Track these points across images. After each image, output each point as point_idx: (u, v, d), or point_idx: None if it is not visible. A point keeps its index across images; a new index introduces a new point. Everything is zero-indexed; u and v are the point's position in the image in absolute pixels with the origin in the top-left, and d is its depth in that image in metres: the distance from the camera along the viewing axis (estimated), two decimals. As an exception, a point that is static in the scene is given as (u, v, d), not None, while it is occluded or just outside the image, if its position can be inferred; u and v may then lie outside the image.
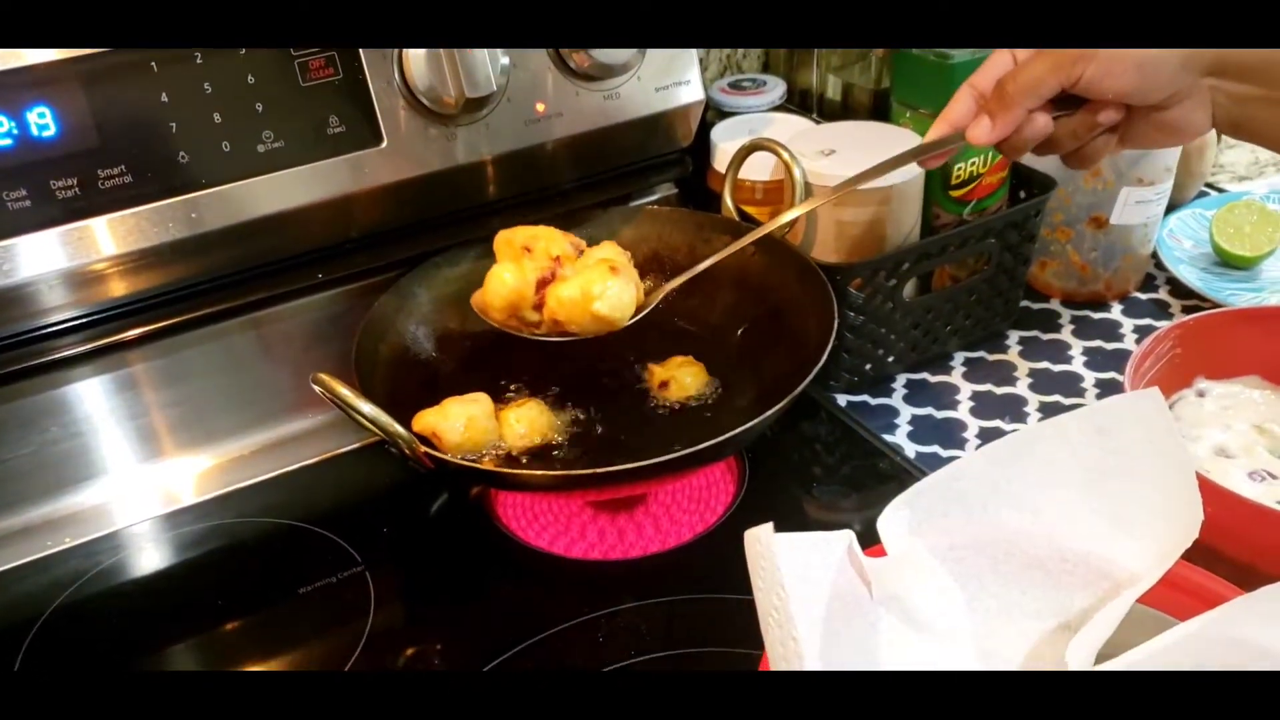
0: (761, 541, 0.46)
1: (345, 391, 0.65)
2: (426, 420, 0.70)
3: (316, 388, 0.65)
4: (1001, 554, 0.52)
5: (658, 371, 0.79)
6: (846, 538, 0.49)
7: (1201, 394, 0.75)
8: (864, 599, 0.50)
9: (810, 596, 0.45)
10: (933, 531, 0.52)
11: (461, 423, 0.70)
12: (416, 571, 0.75)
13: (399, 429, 0.66)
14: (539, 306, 0.73)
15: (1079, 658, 0.49)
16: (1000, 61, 0.67)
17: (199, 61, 0.71)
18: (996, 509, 0.52)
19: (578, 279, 0.72)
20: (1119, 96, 0.63)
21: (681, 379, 0.78)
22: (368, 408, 0.65)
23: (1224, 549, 0.61)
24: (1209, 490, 0.61)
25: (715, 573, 0.70)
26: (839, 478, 0.80)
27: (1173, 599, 0.50)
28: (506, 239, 0.76)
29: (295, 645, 0.70)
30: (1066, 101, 0.65)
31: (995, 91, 0.65)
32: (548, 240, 0.74)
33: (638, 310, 0.74)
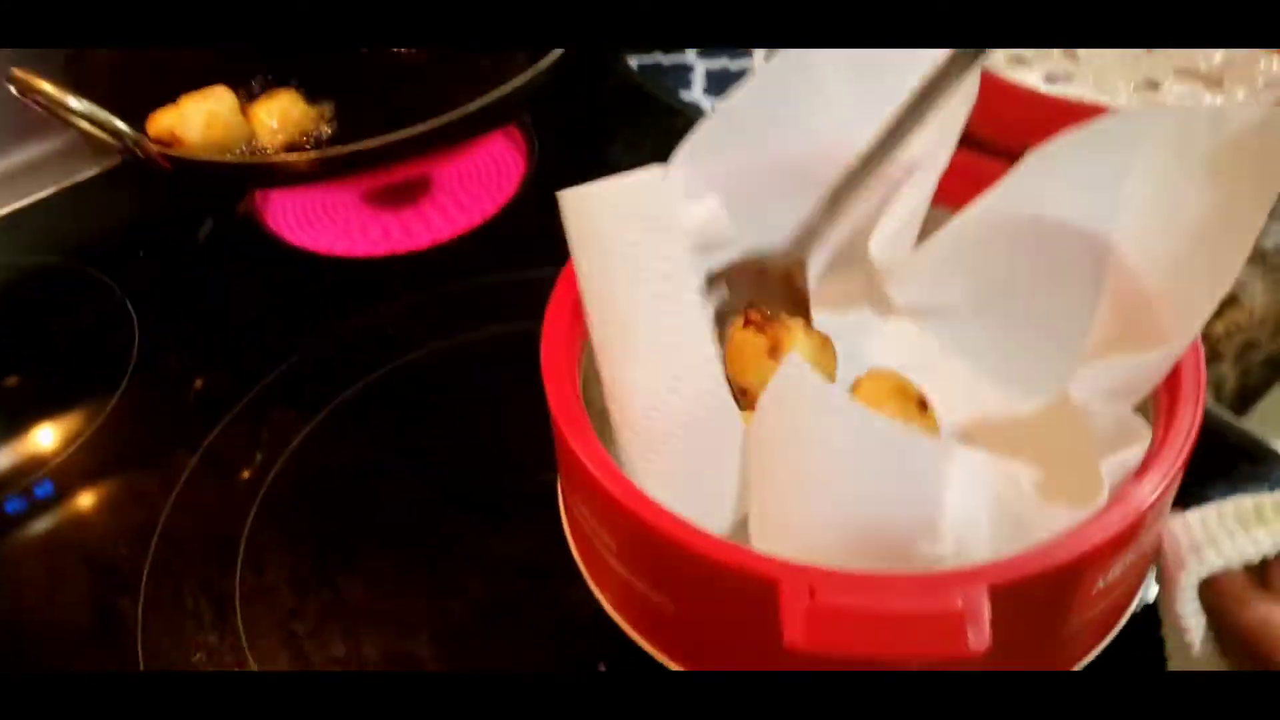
0: (590, 195, 0.41)
1: (48, 87, 0.56)
2: (162, 122, 0.61)
3: (13, 88, 0.56)
4: (788, 179, 0.49)
5: None
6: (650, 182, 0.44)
7: (997, 4, 0.71)
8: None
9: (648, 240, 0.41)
10: (715, 164, 0.48)
11: (202, 119, 0.62)
12: (184, 294, 0.67)
13: (120, 124, 0.57)
14: None
15: (881, 246, 0.47)
16: None
17: None
18: (776, 137, 0.48)
19: None
20: None
21: None
22: (78, 102, 0.56)
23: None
24: (1009, 92, 0.59)
25: (507, 255, 0.66)
26: (636, 144, 0.75)
27: (968, 195, 0.47)
28: None
29: (62, 387, 0.63)
30: None
31: None
32: None
33: None
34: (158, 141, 0.60)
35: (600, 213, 0.41)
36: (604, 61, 0.79)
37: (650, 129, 0.76)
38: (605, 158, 0.74)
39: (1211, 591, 0.39)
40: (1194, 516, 0.40)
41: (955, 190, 0.48)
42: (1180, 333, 0.40)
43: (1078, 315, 0.47)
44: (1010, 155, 0.60)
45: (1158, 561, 0.41)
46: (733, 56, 0.80)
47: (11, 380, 0.65)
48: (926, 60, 0.46)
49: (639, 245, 0.40)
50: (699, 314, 0.41)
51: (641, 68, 0.80)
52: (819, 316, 0.50)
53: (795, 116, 0.48)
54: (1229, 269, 0.39)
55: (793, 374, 0.36)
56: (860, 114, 0.48)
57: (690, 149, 0.47)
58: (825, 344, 0.48)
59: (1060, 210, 0.46)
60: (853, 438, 0.35)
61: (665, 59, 0.80)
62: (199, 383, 0.63)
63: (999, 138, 0.60)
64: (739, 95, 0.47)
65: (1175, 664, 0.42)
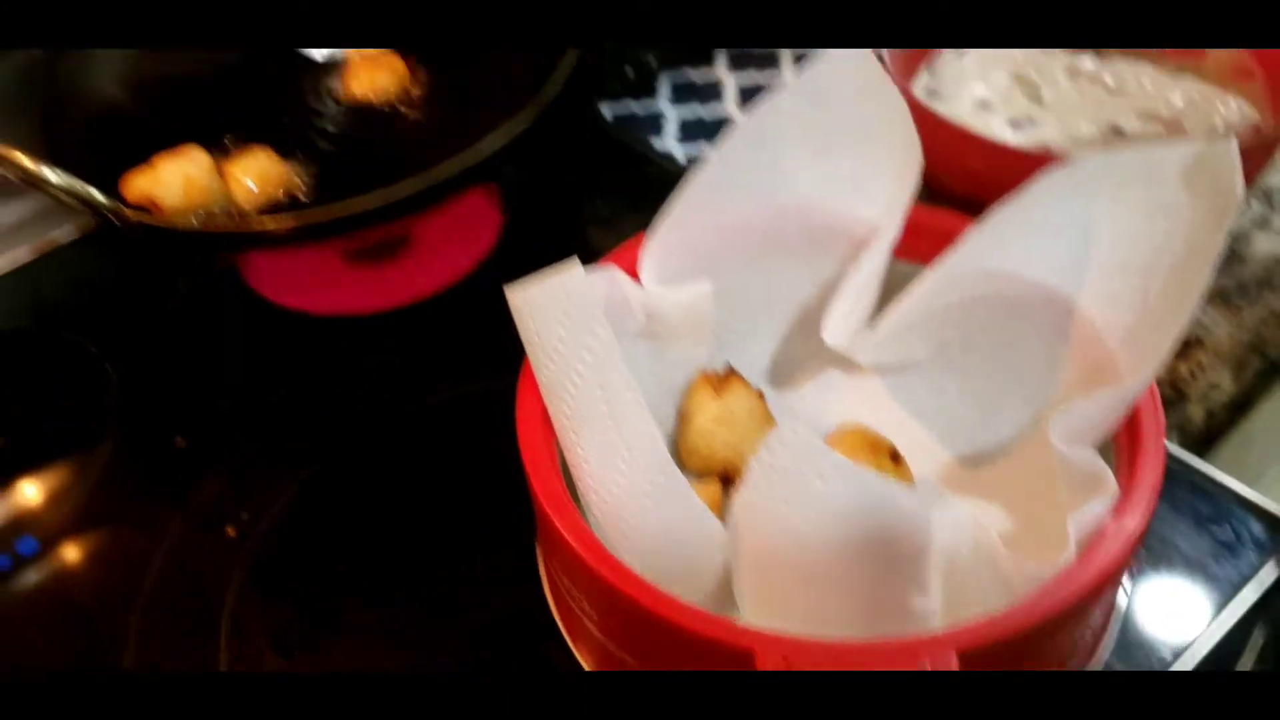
0: (520, 300, 0.42)
1: (24, 160, 0.56)
2: (138, 185, 0.62)
3: (-10, 162, 0.56)
4: (757, 238, 0.51)
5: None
6: (605, 275, 0.46)
7: (960, 52, 0.72)
8: (628, 330, 0.48)
9: (572, 336, 0.42)
10: (692, 225, 0.49)
11: (179, 182, 0.62)
12: (164, 356, 0.68)
13: (97, 195, 0.58)
14: None
15: (835, 334, 0.48)
16: None
17: None
18: (741, 199, 0.50)
19: None
20: None
21: (374, 76, 0.71)
22: (55, 175, 0.57)
23: (992, 199, 0.60)
24: (973, 144, 0.61)
25: (487, 309, 0.66)
26: (610, 191, 0.76)
27: (929, 248, 0.49)
28: None
29: (44, 447, 0.63)
30: None
31: None
32: None
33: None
34: (134, 206, 0.61)
35: (533, 310, 0.42)
36: (580, 112, 0.80)
37: (624, 177, 0.77)
38: (581, 208, 0.75)
39: None
40: None
41: (916, 245, 0.49)
42: (1140, 372, 0.41)
43: (1043, 365, 0.48)
44: (972, 202, 0.62)
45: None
46: (704, 102, 0.81)
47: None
48: (880, 129, 0.47)
49: (566, 341, 0.42)
50: (632, 395, 0.41)
51: (616, 117, 0.81)
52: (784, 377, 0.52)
53: (759, 188, 0.49)
54: (1187, 305, 0.40)
55: (787, 438, 0.36)
56: (820, 182, 0.49)
57: (665, 226, 0.48)
58: (761, 399, 0.50)
59: (1020, 264, 0.47)
60: (847, 496, 0.36)
61: (638, 107, 0.81)
62: (181, 441, 0.63)
63: (962, 186, 0.62)
64: (707, 170, 0.48)
65: None
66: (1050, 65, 0.70)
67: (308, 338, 0.68)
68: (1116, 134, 0.66)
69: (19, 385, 0.67)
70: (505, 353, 0.62)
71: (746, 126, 0.49)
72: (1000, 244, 0.46)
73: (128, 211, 0.58)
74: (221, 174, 0.66)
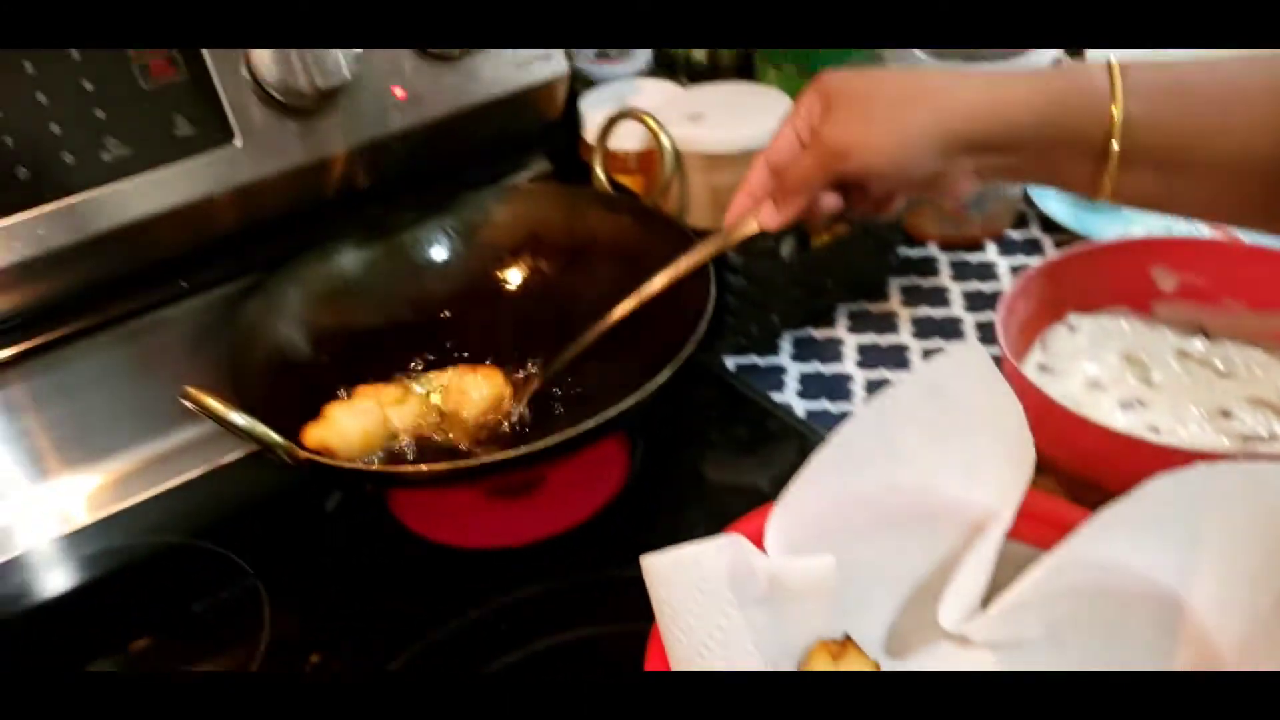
0: (653, 569, 0.46)
1: (216, 405, 0.63)
2: (316, 436, 0.68)
3: (187, 403, 0.63)
4: (876, 515, 0.54)
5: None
6: (732, 544, 0.49)
7: (1073, 328, 0.76)
8: (751, 596, 0.51)
9: (704, 611, 0.46)
10: (815, 499, 0.53)
11: (355, 435, 0.69)
12: (311, 577, 0.73)
13: (277, 438, 0.64)
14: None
15: (950, 617, 0.51)
16: (785, 136, 0.65)
17: (30, 72, 0.67)
18: (862, 478, 0.54)
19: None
20: (884, 184, 0.63)
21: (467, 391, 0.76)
22: (241, 419, 0.63)
23: (1102, 479, 0.63)
24: (1082, 425, 0.64)
25: (614, 550, 0.70)
26: (732, 441, 0.81)
27: (1033, 530, 0.52)
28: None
29: (193, 664, 0.68)
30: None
31: (778, 181, 0.65)
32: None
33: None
34: (310, 450, 0.67)
35: (666, 582, 0.46)
36: (705, 364, 0.85)
37: (745, 428, 0.81)
38: (703, 455, 0.79)
39: None
40: None
41: (1027, 528, 0.52)
42: None
43: (1153, 656, 0.49)
44: (1081, 480, 0.64)
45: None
46: (825, 361, 0.86)
47: (146, 648, 0.70)
48: (994, 420, 0.51)
49: (697, 615, 0.45)
50: (756, 666, 0.45)
51: (738, 368, 0.86)
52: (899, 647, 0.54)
53: (878, 468, 0.53)
54: None
55: None
56: (936, 466, 0.53)
57: (790, 500, 0.52)
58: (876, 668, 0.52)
59: (1132, 559, 0.49)
60: None
61: (760, 360, 0.87)
62: (315, 657, 0.67)
63: (1070, 463, 0.65)
64: (830, 449, 0.52)
65: None
66: (1161, 347, 0.74)
67: (444, 569, 0.73)
68: (1225, 417, 0.68)
69: (173, 599, 0.73)
70: (626, 598, 0.66)
71: (868, 412, 0.53)
72: (1112, 538, 0.49)
73: (301, 454, 0.65)
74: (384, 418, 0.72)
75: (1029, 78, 0.60)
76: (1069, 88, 0.58)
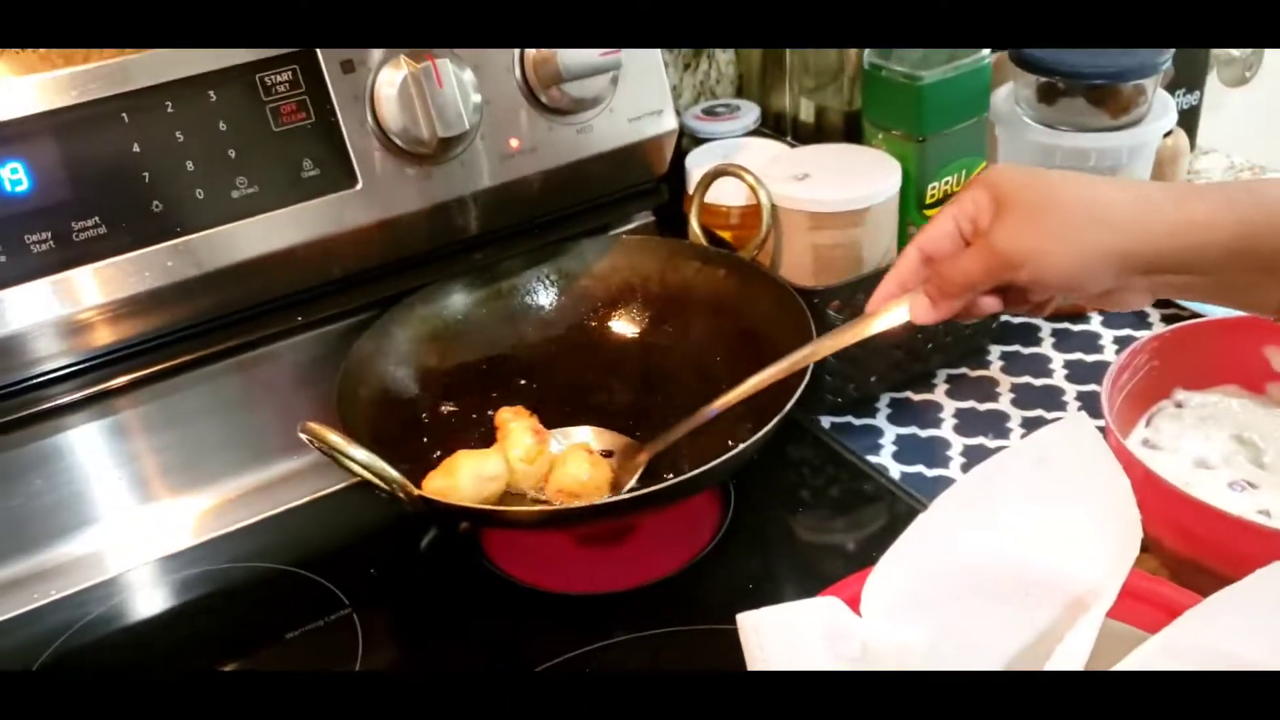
0: (749, 625, 0.47)
1: (337, 439, 0.65)
2: (436, 485, 0.71)
3: (305, 437, 0.65)
4: (974, 583, 0.54)
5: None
6: (828, 606, 0.49)
7: (1180, 405, 0.75)
8: (845, 658, 0.51)
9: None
10: (914, 565, 0.53)
11: (472, 484, 0.71)
12: (404, 612, 0.75)
13: (393, 473, 0.66)
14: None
15: None
16: (944, 226, 0.63)
17: (170, 110, 0.71)
18: (963, 545, 0.53)
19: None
20: (1058, 293, 0.61)
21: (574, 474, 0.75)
22: (361, 454, 0.65)
23: (1207, 561, 0.62)
24: (1189, 505, 0.62)
25: (703, 602, 0.71)
26: (825, 500, 0.81)
27: (1135, 610, 0.51)
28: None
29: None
30: None
31: (934, 275, 0.62)
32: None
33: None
34: (426, 494, 0.68)
35: (761, 639, 0.46)
36: (801, 423, 0.85)
37: (838, 488, 0.81)
38: (795, 512, 0.79)
39: None
40: None
41: (1130, 608, 0.51)
42: None
43: None
44: (1186, 560, 0.63)
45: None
46: (923, 427, 0.85)
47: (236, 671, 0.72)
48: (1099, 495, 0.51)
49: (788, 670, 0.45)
50: None
51: (833, 426, 0.86)
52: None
53: (979, 537, 0.53)
54: None
55: None
56: (1038, 538, 0.52)
57: (887, 564, 0.52)
58: None
59: (1241, 647, 0.48)
60: None
61: (856, 420, 0.87)
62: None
63: (1175, 542, 0.63)
64: (931, 514, 0.52)
65: None
66: (1273, 427, 0.72)
67: (534, 613, 0.73)
68: (1339, 502, 0.66)
69: (268, 624, 0.74)
70: (717, 650, 0.66)
71: (972, 479, 0.53)
72: (1224, 626, 0.47)
73: (415, 491, 0.66)
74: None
75: (1210, 193, 0.58)
76: (1256, 203, 0.56)
